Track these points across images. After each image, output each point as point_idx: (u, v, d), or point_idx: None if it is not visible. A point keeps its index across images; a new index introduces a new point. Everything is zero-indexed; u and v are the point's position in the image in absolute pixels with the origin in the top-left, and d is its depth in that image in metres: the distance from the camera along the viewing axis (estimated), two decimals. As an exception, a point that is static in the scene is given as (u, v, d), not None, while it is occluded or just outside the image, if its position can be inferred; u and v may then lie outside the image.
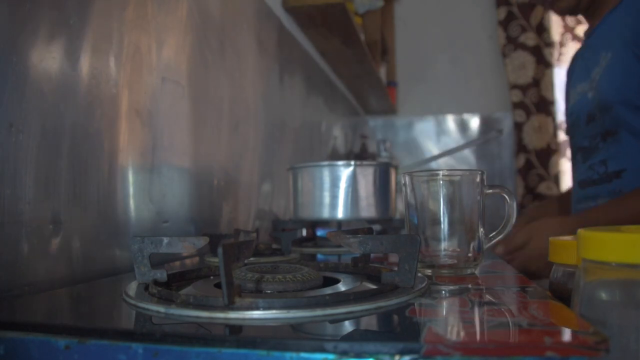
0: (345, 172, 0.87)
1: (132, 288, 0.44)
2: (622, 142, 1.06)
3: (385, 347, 0.29)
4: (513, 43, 2.50)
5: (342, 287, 0.46)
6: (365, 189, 0.87)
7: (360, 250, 0.47)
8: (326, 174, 0.87)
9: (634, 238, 0.34)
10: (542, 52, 2.48)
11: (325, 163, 0.89)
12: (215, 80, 0.92)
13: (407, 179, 0.59)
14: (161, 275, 0.46)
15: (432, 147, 2.68)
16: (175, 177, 0.78)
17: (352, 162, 0.86)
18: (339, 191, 0.86)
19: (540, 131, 2.46)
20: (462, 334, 0.31)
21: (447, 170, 0.58)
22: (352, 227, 0.74)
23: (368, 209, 0.88)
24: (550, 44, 2.48)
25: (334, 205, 0.86)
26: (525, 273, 0.89)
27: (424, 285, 0.45)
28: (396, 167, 0.91)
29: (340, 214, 0.87)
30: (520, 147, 2.48)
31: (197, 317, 0.36)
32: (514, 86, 2.48)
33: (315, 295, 0.39)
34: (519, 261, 1.03)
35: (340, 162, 0.88)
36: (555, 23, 2.50)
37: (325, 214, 0.87)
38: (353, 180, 0.87)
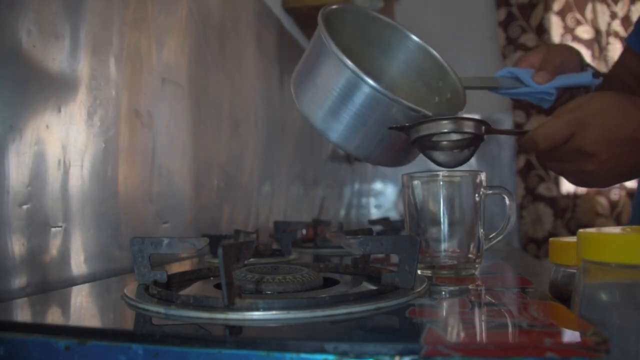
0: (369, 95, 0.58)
1: (132, 289, 0.44)
2: None
3: (385, 348, 0.29)
4: (513, 44, 2.50)
5: (342, 288, 0.46)
6: (377, 131, 0.60)
7: (360, 251, 0.47)
8: (346, 79, 0.58)
9: (634, 239, 0.34)
10: (542, 53, 2.47)
11: (352, 65, 0.57)
12: (215, 81, 0.92)
13: (407, 180, 0.59)
14: (161, 276, 0.46)
15: (432, 148, 2.67)
16: (175, 178, 0.78)
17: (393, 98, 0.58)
18: (348, 112, 0.59)
19: (540, 132, 2.46)
20: (462, 334, 0.31)
21: (447, 171, 0.58)
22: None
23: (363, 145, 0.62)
24: (550, 45, 2.49)
25: (335, 119, 0.60)
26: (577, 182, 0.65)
27: (424, 286, 0.45)
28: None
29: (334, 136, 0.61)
30: (520, 147, 2.48)
31: (197, 317, 0.36)
32: (514, 87, 2.48)
33: (315, 296, 0.39)
34: (560, 165, 0.65)
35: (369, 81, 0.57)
36: (555, 24, 2.50)
37: (319, 123, 0.62)
38: (374, 111, 0.60)
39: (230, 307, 0.36)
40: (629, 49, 0.92)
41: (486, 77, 0.77)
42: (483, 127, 0.59)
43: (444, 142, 0.59)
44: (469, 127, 0.58)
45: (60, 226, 0.55)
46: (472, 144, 0.60)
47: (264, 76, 1.18)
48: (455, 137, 0.58)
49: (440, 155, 0.60)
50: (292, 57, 1.39)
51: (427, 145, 0.59)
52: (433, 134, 0.57)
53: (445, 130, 0.58)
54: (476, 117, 0.61)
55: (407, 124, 0.58)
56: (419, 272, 0.55)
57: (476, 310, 0.38)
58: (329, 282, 0.48)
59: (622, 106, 0.60)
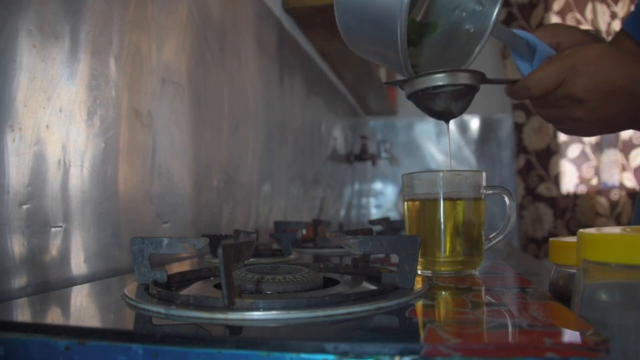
0: None
1: (132, 289, 0.44)
2: None
3: (385, 347, 0.29)
4: (513, 44, 2.50)
5: (342, 288, 0.46)
6: None
7: (360, 251, 0.47)
8: None
9: (634, 239, 0.34)
10: (542, 53, 2.47)
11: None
12: (215, 81, 0.92)
13: (408, 179, 0.59)
14: (161, 276, 0.46)
15: (432, 149, 2.68)
16: (175, 178, 0.78)
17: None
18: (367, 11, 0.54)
19: (540, 132, 2.46)
20: (462, 334, 0.31)
21: (448, 170, 0.58)
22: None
23: None
24: (550, 45, 2.48)
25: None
26: (564, 129, 0.67)
27: (424, 286, 0.45)
28: None
29: None
30: (521, 148, 2.48)
31: (197, 317, 0.36)
32: (514, 87, 2.48)
33: (315, 296, 0.39)
34: (550, 111, 0.66)
35: None
36: (555, 24, 2.50)
37: None
38: None
39: (230, 307, 0.35)
40: (624, 33, 0.90)
41: (516, 35, 0.69)
42: (478, 77, 0.59)
43: (440, 94, 0.59)
44: (464, 79, 0.58)
45: (60, 226, 0.55)
46: (467, 94, 0.59)
47: (264, 76, 1.18)
48: (450, 88, 0.58)
49: (435, 108, 0.60)
50: (292, 58, 1.39)
51: (422, 99, 0.59)
52: (428, 88, 0.58)
53: (441, 84, 0.57)
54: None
55: (401, 79, 0.58)
56: (419, 272, 0.56)
57: (476, 310, 0.38)
58: (329, 282, 0.48)
59: (614, 57, 0.61)
